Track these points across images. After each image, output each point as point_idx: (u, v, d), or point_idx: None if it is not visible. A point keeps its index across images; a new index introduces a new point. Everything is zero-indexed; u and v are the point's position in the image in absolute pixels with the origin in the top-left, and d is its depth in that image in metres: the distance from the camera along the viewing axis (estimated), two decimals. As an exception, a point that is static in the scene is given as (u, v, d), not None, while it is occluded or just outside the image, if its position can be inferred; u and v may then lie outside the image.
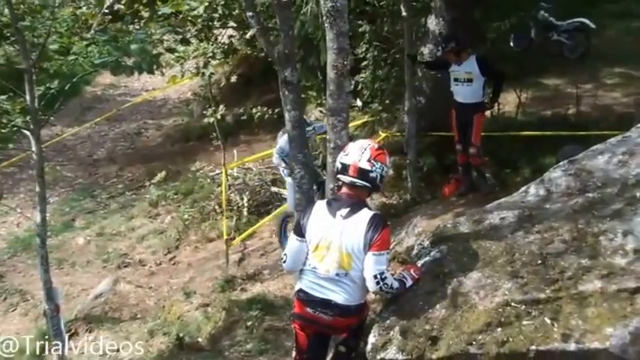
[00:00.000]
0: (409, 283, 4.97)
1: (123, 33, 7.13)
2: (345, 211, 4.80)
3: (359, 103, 12.60)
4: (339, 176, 4.98)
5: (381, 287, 4.70)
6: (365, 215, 4.76)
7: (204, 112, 12.45)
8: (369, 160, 4.81)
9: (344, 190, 4.95)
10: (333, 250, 4.80)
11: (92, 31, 6.97)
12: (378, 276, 4.66)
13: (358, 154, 4.85)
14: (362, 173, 4.80)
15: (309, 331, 5.06)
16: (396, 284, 4.80)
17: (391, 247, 4.66)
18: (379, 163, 4.84)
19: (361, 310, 4.99)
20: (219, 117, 11.23)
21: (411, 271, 5.10)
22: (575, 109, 11.42)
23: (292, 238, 5.05)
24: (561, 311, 4.41)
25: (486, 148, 9.98)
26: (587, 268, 4.60)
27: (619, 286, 4.38)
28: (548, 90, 12.95)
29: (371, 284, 4.72)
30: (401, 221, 9.49)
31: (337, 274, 4.79)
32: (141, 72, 6.64)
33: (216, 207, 11.94)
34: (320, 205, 4.99)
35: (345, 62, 5.27)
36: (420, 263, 5.37)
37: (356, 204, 4.83)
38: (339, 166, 4.97)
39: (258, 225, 11.02)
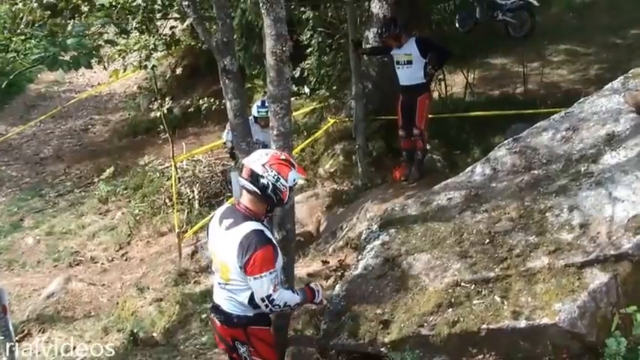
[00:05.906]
0: (301, 297, 4.71)
1: (61, 27, 6.92)
2: (228, 221, 4.52)
3: (306, 90, 12.54)
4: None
5: (270, 309, 4.49)
6: (241, 231, 4.41)
7: (151, 106, 12.33)
8: (263, 165, 4.44)
9: (243, 197, 4.61)
10: (217, 259, 4.64)
11: (22, 26, 6.75)
12: (266, 299, 4.40)
13: (257, 156, 4.54)
14: (253, 177, 4.43)
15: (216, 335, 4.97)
16: (290, 301, 4.56)
17: (276, 266, 4.37)
18: (274, 172, 4.42)
19: (245, 324, 4.66)
20: (165, 110, 11.10)
21: (312, 285, 4.87)
22: (522, 88, 11.52)
23: None
24: (511, 289, 4.45)
25: (436, 130, 10.02)
26: (534, 245, 4.65)
27: (566, 262, 4.43)
28: (495, 69, 13.07)
29: (262, 307, 4.47)
30: (352, 207, 9.47)
31: (219, 283, 4.65)
32: (78, 67, 6.44)
33: (167, 200, 11.81)
34: (221, 209, 4.79)
35: (284, 48, 5.17)
36: (369, 247, 5.38)
37: (243, 216, 4.50)
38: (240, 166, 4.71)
39: (210, 217, 10.87)
